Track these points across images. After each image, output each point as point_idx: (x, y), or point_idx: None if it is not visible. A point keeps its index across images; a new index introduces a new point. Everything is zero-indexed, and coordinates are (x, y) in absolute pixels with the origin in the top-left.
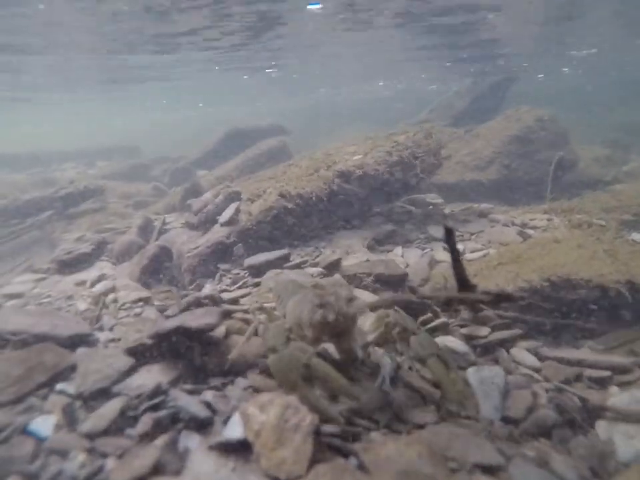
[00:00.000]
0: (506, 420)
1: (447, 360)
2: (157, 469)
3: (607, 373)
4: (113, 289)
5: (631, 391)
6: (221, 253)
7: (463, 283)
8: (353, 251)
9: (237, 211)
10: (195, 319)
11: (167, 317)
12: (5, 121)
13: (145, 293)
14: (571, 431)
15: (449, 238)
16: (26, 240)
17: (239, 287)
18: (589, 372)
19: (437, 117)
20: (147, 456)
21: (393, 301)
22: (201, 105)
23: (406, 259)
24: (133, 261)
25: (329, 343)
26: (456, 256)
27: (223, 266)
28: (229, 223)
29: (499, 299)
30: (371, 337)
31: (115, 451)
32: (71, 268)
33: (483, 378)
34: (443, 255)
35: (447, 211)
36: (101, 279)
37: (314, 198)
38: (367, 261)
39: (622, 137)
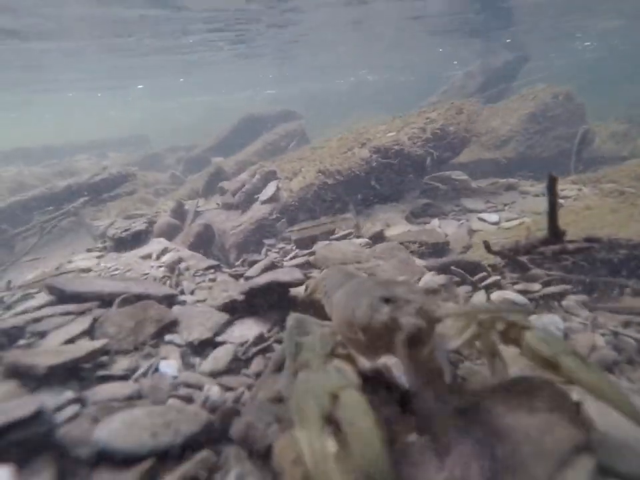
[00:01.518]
0: None
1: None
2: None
3: None
4: (180, 259)
5: None
6: (265, 229)
7: (555, 231)
8: (393, 223)
9: (278, 188)
10: (284, 275)
11: (248, 278)
12: (15, 116)
13: (212, 261)
14: (632, 367)
15: (552, 184)
16: (65, 225)
17: (292, 258)
18: (637, 319)
19: (449, 98)
20: (276, 384)
21: (450, 262)
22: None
23: (443, 229)
24: (177, 240)
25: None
26: (553, 203)
27: (267, 241)
28: (271, 200)
29: (587, 243)
30: (453, 344)
31: (240, 385)
32: (127, 245)
33: (544, 324)
34: (479, 225)
35: (474, 185)
36: (165, 251)
37: (353, 174)
38: (409, 231)
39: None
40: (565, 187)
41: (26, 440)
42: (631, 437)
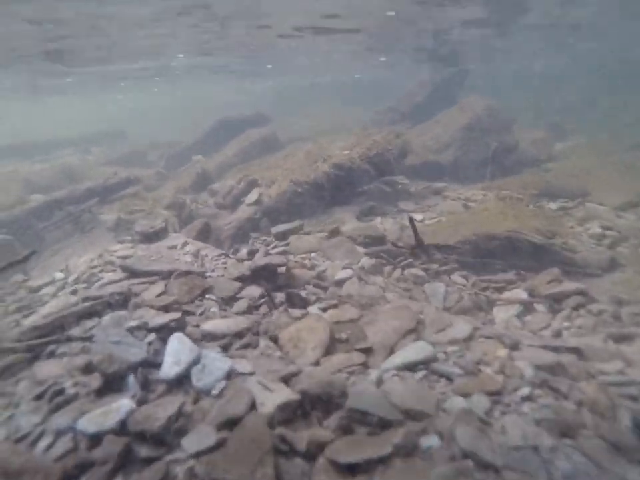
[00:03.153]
0: (445, 308)
1: None
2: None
3: (502, 284)
4: (199, 249)
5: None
6: (251, 225)
7: (419, 240)
8: (347, 221)
9: (260, 194)
10: (274, 259)
11: (253, 261)
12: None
13: (221, 250)
14: (479, 311)
15: (411, 221)
16: (82, 220)
17: (273, 247)
18: (493, 285)
19: (402, 104)
20: (283, 317)
21: (380, 250)
22: (156, 89)
23: (384, 225)
24: (184, 232)
25: None
26: (414, 228)
27: (253, 234)
28: (255, 203)
29: (437, 247)
30: None
31: (252, 318)
32: (151, 238)
33: (433, 288)
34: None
35: (412, 189)
36: (185, 244)
37: (317, 183)
38: (357, 227)
39: (563, 119)
40: (475, 193)
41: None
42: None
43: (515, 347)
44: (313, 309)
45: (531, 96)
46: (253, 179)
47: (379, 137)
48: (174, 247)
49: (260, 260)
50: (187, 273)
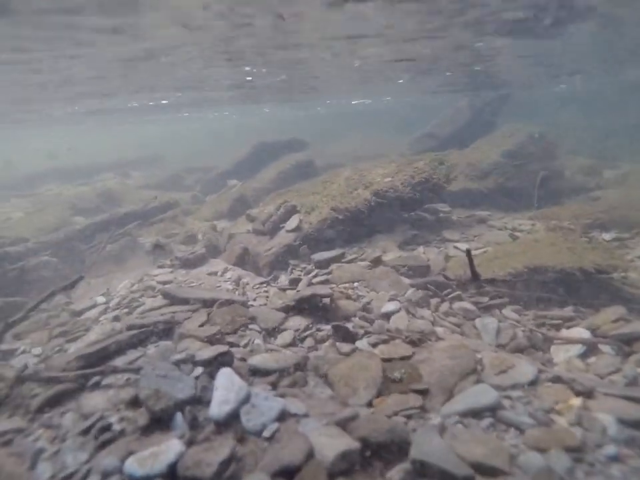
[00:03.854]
0: (498, 345)
1: None
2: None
3: (559, 321)
4: (240, 277)
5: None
6: (290, 252)
7: (475, 274)
8: (388, 250)
9: (300, 220)
10: (320, 290)
11: (298, 291)
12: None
13: (262, 278)
14: (535, 350)
15: (469, 254)
16: (121, 243)
17: (314, 276)
18: (549, 321)
19: (439, 130)
20: (331, 352)
21: (426, 281)
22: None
23: (427, 255)
24: (222, 258)
25: None
26: (471, 261)
27: (292, 262)
28: (295, 229)
29: (491, 281)
30: None
31: (300, 351)
32: (191, 264)
33: (484, 323)
34: (454, 252)
35: (454, 217)
36: (225, 270)
37: (358, 211)
38: (400, 256)
39: (609, 146)
40: (523, 222)
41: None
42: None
43: (589, 394)
44: (362, 344)
45: (575, 119)
46: (292, 205)
47: (422, 163)
48: (214, 274)
49: (305, 290)
50: (230, 301)
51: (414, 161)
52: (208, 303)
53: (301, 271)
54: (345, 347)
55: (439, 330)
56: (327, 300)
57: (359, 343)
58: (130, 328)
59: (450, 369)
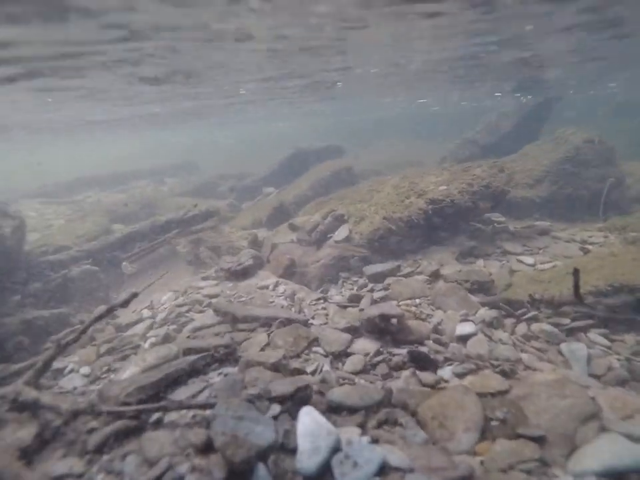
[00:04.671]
0: (591, 376)
1: None
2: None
3: None
4: (294, 292)
5: None
6: (340, 264)
7: (579, 297)
8: (446, 263)
9: (350, 230)
10: (388, 309)
11: (361, 310)
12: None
13: (318, 294)
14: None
15: (576, 274)
16: (161, 252)
17: (370, 291)
18: None
19: (482, 136)
20: (412, 383)
21: (497, 299)
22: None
23: (488, 268)
24: (268, 269)
25: None
26: (576, 282)
27: (343, 274)
28: (344, 240)
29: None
30: None
31: (374, 380)
32: (238, 276)
33: (572, 349)
34: (518, 266)
35: (511, 228)
36: (277, 284)
37: (412, 221)
38: (460, 271)
39: None
40: (593, 234)
41: None
42: None
43: None
44: (446, 374)
45: (621, 123)
46: (339, 214)
47: (480, 170)
48: (265, 287)
49: (370, 309)
50: (289, 320)
51: (469, 168)
52: (265, 321)
53: (353, 284)
54: (428, 377)
55: (524, 357)
56: (395, 320)
57: (442, 372)
58: (187, 352)
59: (564, 410)
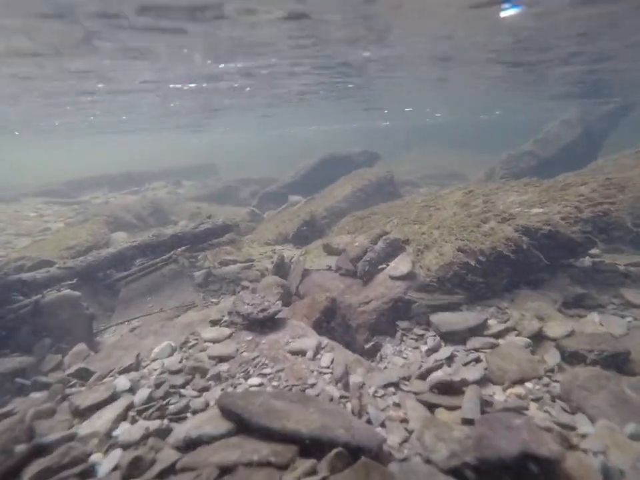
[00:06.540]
0: None
1: None
2: None
3: None
4: (346, 369)
5: None
6: (397, 308)
7: None
8: (546, 316)
9: (412, 263)
10: (537, 448)
11: (470, 422)
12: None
13: (389, 375)
14: None
15: None
16: (166, 273)
17: (449, 359)
18: None
19: (541, 148)
20: None
21: None
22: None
23: (606, 327)
24: (298, 310)
25: None
26: None
27: (401, 324)
28: (405, 277)
29: None
30: None
31: None
32: (261, 324)
33: None
34: None
35: (621, 267)
36: (319, 349)
37: (498, 254)
38: (574, 331)
39: None
40: None
41: None
42: None
43: None
44: None
45: None
46: (394, 239)
47: (588, 189)
48: (301, 354)
49: (499, 438)
50: (349, 447)
51: (568, 185)
52: (309, 445)
53: (417, 341)
54: None
55: None
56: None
57: None
58: None
59: None
